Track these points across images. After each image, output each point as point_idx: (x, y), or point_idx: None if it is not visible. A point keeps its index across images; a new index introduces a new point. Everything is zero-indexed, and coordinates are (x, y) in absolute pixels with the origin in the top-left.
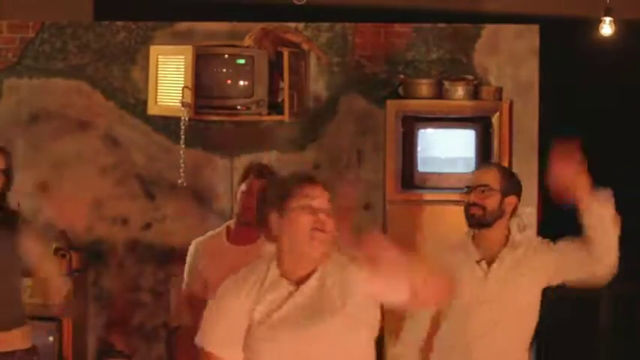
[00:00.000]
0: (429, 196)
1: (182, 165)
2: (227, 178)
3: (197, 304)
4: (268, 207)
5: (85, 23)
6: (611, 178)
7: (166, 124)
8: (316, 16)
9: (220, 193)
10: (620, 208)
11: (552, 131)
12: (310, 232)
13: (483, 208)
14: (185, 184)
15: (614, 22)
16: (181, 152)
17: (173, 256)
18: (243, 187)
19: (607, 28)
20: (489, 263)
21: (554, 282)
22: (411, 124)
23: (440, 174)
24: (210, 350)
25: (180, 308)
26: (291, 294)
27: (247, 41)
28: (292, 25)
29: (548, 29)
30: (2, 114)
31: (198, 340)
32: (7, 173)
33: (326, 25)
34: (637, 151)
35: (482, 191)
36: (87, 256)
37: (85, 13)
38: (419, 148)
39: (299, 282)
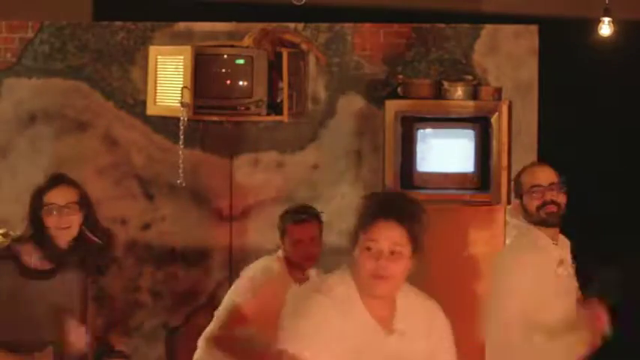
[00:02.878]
0: (428, 196)
1: (181, 165)
2: (226, 179)
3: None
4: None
5: (84, 23)
6: (611, 177)
7: (165, 125)
8: (315, 16)
9: (219, 193)
10: (621, 208)
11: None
12: (369, 279)
13: (559, 206)
14: (184, 185)
15: (613, 22)
16: (180, 152)
17: (172, 257)
18: (294, 235)
19: (606, 29)
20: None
21: None
22: (410, 125)
23: (439, 174)
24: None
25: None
26: (384, 339)
27: (246, 41)
28: (291, 25)
29: (547, 29)
30: (1, 114)
31: (287, 345)
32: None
33: (325, 25)
34: (637, 150)
35: (553, 189)
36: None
37: (84, 13)
38: (418, 149)
39: (383, 322)
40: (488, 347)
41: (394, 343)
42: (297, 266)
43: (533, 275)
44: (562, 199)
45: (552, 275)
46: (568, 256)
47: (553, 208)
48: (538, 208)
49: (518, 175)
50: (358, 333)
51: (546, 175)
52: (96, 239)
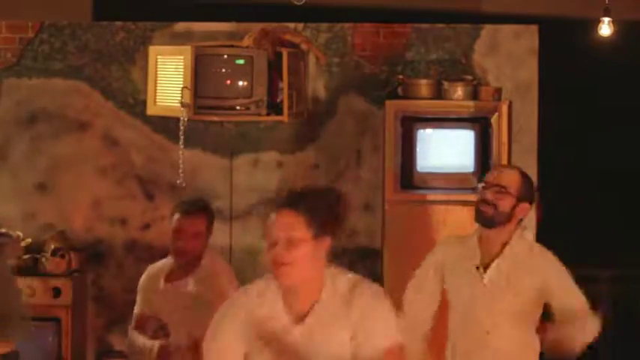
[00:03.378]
0: (428, 196)
1: (181, 165)
2: (226, 179)
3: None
4: None
5: (84, 23)
6: (611, 178)
7: (165, 125)
8: (315, 16)
9: (219, 193)
10: (621, 207)
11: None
12: (273, 269)
13: (495, 207)
14: (184, 185)
15: (613, 22)
16: (180, 152)
17: None
18: (172, 224)
19: (606, 29)
20: (485, 268)
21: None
22: (410, 125)
23: (439, 174)
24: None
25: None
26: (290, 329)
27: (246, 41)
28: (291, 25)
29: (547, 29)
30: (1, 114)
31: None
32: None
33: (325, 25)
34: (637, 150)
35: (499, 191)
36: (86, 257)
37: (84, 13)
38: (418, 149)
39: (298, 318)
40: None
41: (300, 333)
42: (177, 264)
43: (435, 261)
44: (504, 204)
45: (462, 271)
46: (517, 269)
47: (485, 208)
48: (476, 205)
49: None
50: (266, 323)
51: (496, 176)
52: None
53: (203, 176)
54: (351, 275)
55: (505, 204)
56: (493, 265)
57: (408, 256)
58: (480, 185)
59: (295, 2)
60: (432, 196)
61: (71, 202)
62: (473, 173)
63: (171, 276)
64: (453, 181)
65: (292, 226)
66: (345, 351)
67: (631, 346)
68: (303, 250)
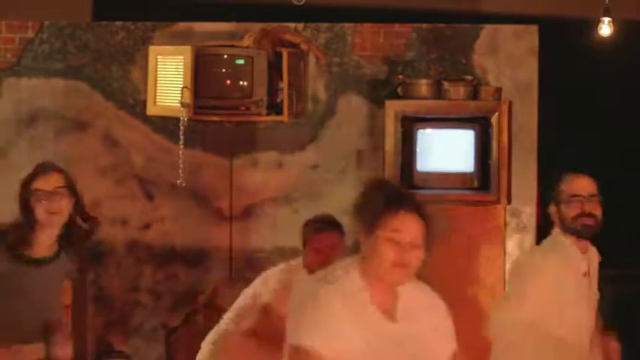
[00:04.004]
0: (428, 196)
1: (181, 165)
2: (226, 179)
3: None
4: (362, 222)
5: (84, 23)
6: (611, 177)
7: (165, 125)
8: (315, 16)
9: (219, 193)
10: (621, 207)
11: (552, 131)
12: (391, 268)
13: (596, 219)
14: (184, 185)
15: (613, 22)
16: (180, 152)
17: (172, 257)
18: (311, 245)
19: (606, 29)
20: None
21: None
22: (410, 125)
23: (439, 174)
24: (310, 346)
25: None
26: (387, 327)
27: (246, 41)
28: (291, 25)
29: (547, 29)
30: (1, 114)
31: (296, 340)
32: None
33: (325, 25)
34: (637, 150)
35: (593, 201)
36: (86, 257)
37: (84, 13)
38: (418, 149)
39: (386, 312)
40: (494, 346)
41: (398, 330)
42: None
43: (552, 282)
44: (599, 211)
45: (574, 285)
46: (595, 269)
47: (590, 221)
48: (575, 218)
49: (559, 182)
50: (364, 322)
51: (586, 186)
52: (85, 225)
53: (203, 176)
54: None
55: (600, 212)
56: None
57: None
58: (574, 197)
59: (295, 2)
60: (432, 196)
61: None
62: (473, 173)
63: None
64: (453, 181)
65: (419, 232)
66: (432, 346)
67: (631, 346)
68: (421, 256)
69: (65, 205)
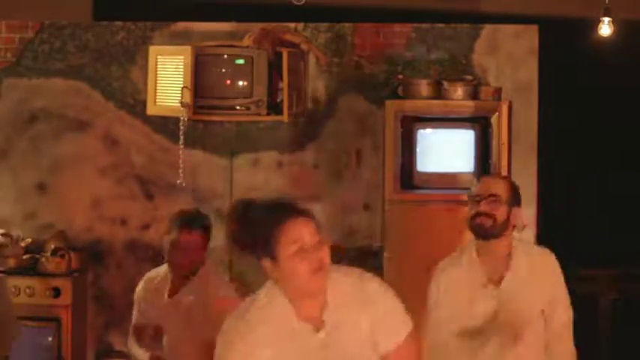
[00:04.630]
0: (428, 196)
1: (181, 165)
2: (226, 179)
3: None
4: (253, 252)
5: (84, 23)
6: (611, 177)
7: (165, 125)
8: (315, 16)
9: (219, 193)
10: (621, 207)
11: (552, 131)
12: (309, 277)
13: (494, 219)
14: (184, 185)
15: (613, 22)
16: (180, 152)
17: None
18: (170, 238)
19: (606, 28)
20: (496, 282)
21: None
22: (410, 124)
23: (439, 174)
24: None
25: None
26: (313, 338)
27: (246, 41)
28: (291, 25)
29: (547, 29)
30: (1, 114)
31: None
32: None
33: (325, 25)
34: (637, 150)
35: (493, 201)
36: (86, 256)
37: (84, 13)
38: (418, 149)
39: (315, 324)
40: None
41: (324, 338)
42: (175, 277)
43: (447, 289)
44: (501, 213)
45: (470, 292)
46: (511, 274)
47: (484, 220)
48: (472, 218)
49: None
50: (284, 338)
51: (487, 186)
52: None
53: (203, 176)
54: (343, 267)
55: (501, 213)
56: (508, 275)
57: (408, 256)
58: (474, 198)
59: (295, 2)
60: (432, 196)
61: (71, 202)
62: (473, 173)
63: (171, 290)
64: (452, 181)
65: (315, 230)
66: (365, 346)
67: (631, 346)
68: (327, 250)
69: None
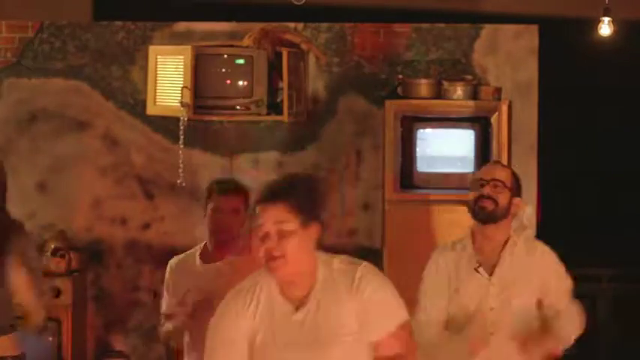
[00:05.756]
0: (428, 196)
1: (181, 165)
2: None
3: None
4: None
5: (84, 23)
6: (611, 177)
7: (165, 124)
8: (315, 16)
9: None
10: (621, 207)
11: (552, 131)
12: (267, 263)
13: (496, 203)
14: (184, 184)
15: (613, 22)
16: (180, 152)
17: (172, 256)
18: (211, 205)
19: (606, 28)
20: (491, 267)
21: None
22: (410, 124)
23: (439, 174)
24: None
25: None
26: (293, 316)
27: (246, 41)
28: (291, 25)
29: (547, 29)
30: (1, 114)
31: (205, 357)
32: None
33: (325, 25)
34: (637, 150)
35: (496, 186)
36: (86, 256)
37: (84, 13)
38: (418, 148)
39: (298, 304)
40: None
41: (301, 318)
42: (218, 243)
43: (435, 272)
44: (503, 198)
45: (465, 275)
46: (505, 264)
47: (486, 203)
48: (474, 201)
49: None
50: (265, 313)
51: (491, 171)
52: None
53: (203, 176)
54: (343, 257)
55: (504, 198)
56: (501, 263)
57: (408, 255)
58: (478, 182)
59: (295, 2)
60: (432, 195)
61: (71, 202)
62: (473, 173)
63: (208, 258)
64: (452, 180)
65: (280, 218)
66: (350, 330)
67: (631, 346)
68: (294, 240)
69: None
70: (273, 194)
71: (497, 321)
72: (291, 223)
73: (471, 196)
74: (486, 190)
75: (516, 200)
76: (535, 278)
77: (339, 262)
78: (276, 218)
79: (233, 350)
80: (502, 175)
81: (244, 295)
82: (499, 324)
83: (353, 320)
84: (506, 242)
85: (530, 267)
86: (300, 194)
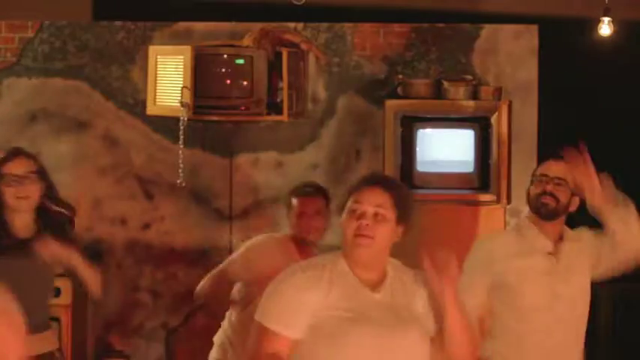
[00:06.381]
0: (428, 196)
1: (181, 165)
2: (226, 179)
3: (225, 283)
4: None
5: (84, 23)
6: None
7: (165, 124)
8: (315, 16)
9: (219, 193)
10: None
11: (552, 131)
12: (352, 239)
13: (557, 200)
14: (184, 184)
15: (613, 22)
16: (180, 152)
17: (172, 256)
18: (294, 210)
19: (606, 28)
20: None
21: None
22: (409, 124)
23: (439, 174)
24: (268, 326)
25: (209, 282)
26: (374, 295)
27: (246, 41)
28: (291, 25)
29: (547, 29)
30: (1, 114)
31: (258, 315)
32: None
33: (325, 25)
34: (637, 150)
35: (559, 184)
36: (86, 257)
37: (84, 13)
38: (418, 149)
39: (372, 286)
40: None
41: (381, 298)
42: (302, 242)
43: (489, 259)
44: (564, 196)
45: (530, 262)
46: (569, 253)
47: (549, 200)
48: (537, 197)
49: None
50: (345, 295)
51: (554, 168)
52: (59, 209)
53: (203, 176)
54: (399, 264)
55: (565, 196)
56: (562, 248)
57: (408, 255)
58: (540, 178)
59: (295, 2)
60: (432, 195)
61: (71, 202)
62: (473, 173)
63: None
64: (453, 181)
65: (380, 202)
66: (416, 319)
67: (631, 346)
68: (386, 228)
69: (34, 190)
70: (381, 181)
71: (559, 313)
72: (389, 212)
73: (532, 190)
74: (549, 188)
75: (574, 199)
76: (587, 268)
77: (400, 264)
78: (377, 202)
79: (298, 314)
80: (564, 172)
81: (313, 270)
82: (559, 317)
83: (420, 309)
84: (560, 238)
85: (583, 258)
86: (402, 194)
